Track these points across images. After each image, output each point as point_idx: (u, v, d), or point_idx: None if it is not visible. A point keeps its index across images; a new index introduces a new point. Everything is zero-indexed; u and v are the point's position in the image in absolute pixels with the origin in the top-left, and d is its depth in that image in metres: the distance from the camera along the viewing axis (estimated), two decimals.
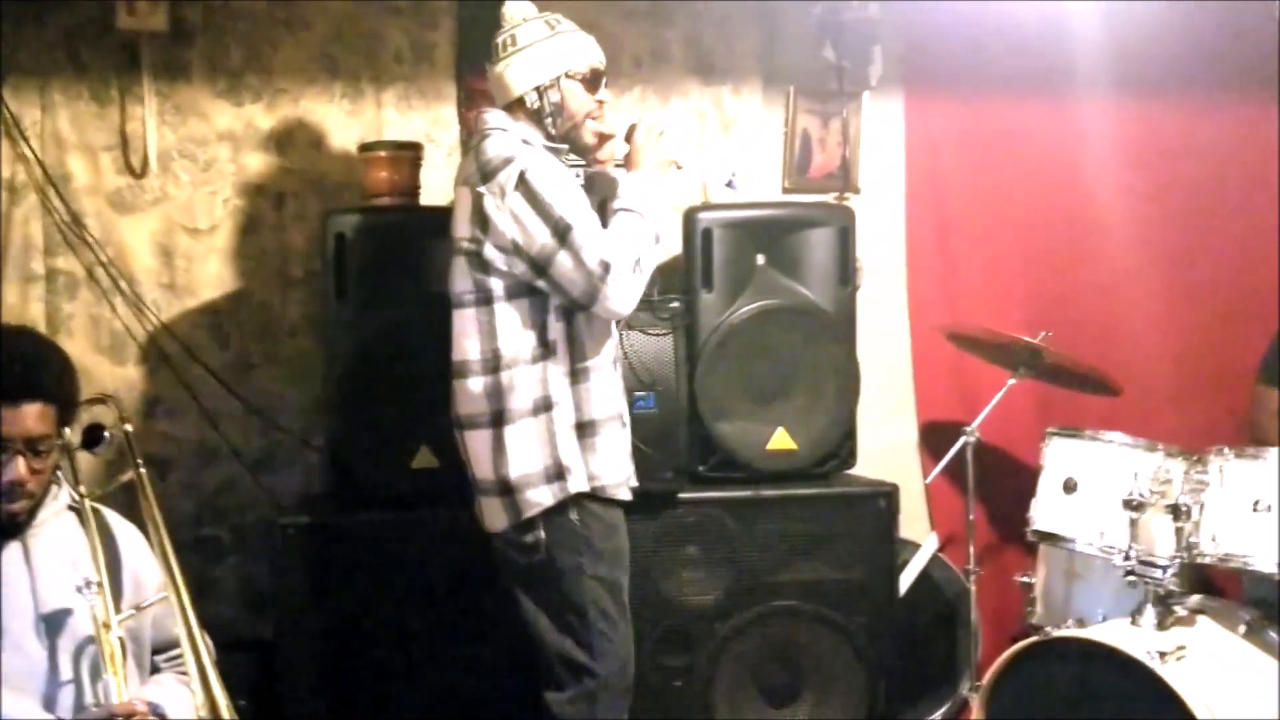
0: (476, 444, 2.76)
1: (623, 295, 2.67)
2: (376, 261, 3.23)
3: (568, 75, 2.79)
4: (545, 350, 2.71)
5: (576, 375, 2.73)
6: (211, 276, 3.73)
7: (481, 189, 2.68)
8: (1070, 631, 3.11)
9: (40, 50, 3.61)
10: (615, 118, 2.94)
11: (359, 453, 3.22)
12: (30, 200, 3.62)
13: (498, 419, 2.70)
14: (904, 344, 4.11)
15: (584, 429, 2.73)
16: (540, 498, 2.69)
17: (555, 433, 2.70)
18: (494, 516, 2.76)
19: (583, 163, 2.96)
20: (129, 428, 2.27)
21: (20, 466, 2.02)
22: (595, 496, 2.74)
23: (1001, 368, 3.67)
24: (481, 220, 2.68)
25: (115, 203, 3.68)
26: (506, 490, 2.71)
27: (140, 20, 3.57)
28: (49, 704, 2.03)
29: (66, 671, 2.05)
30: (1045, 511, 3.38)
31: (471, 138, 2.88)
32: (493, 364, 2.71)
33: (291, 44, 3.73)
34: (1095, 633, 3.06)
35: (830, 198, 3.91)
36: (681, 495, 3.28)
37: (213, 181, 3.72)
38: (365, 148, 3.52)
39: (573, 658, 2.74)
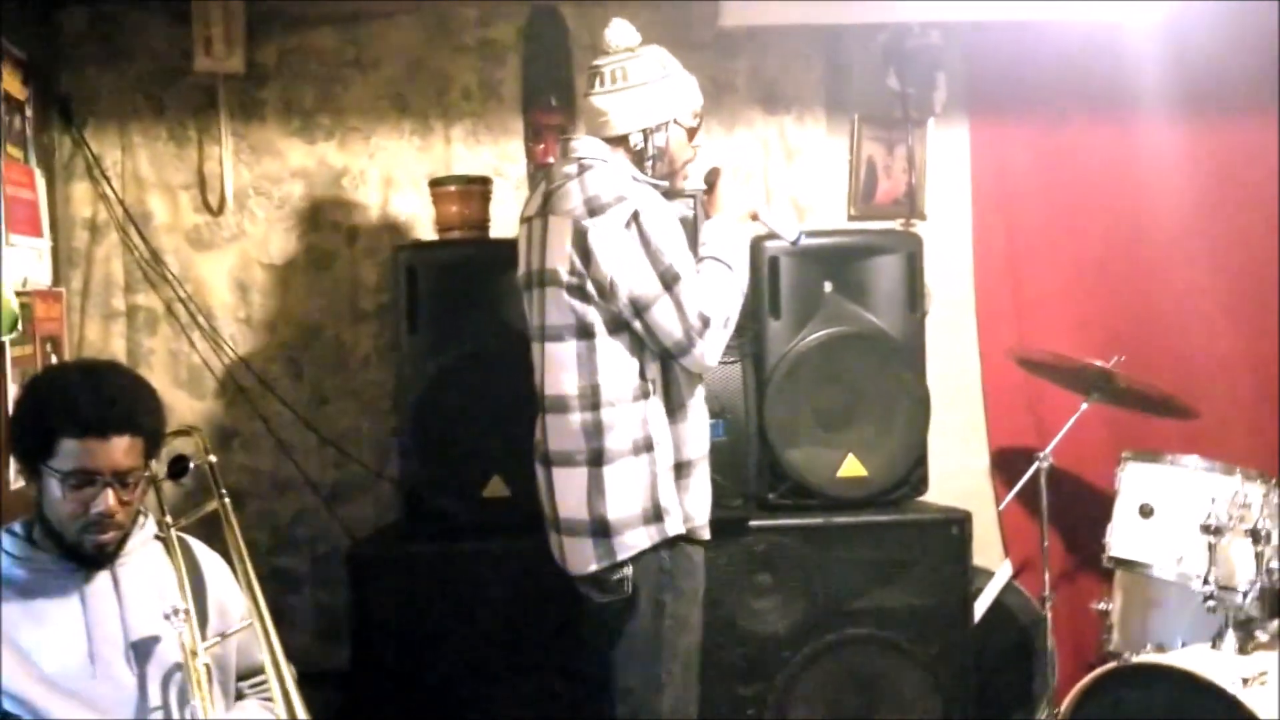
0: (569, 482, 2.69)
1: (713, 350, 2.67)
2: (447, 294, 3.27)
3: (676, 122, 2.77)
4: (645, 388, 2.67)
5: (674, 414, 2.71)
6: (286, 311, 3.81)
7: (587, 223, 2.61)
8: (1150, 657, 3.07)
9: (120, 93, 3.73)
10: (703, 160, 2.94)
11: (431, 483, 3.25)
12: (111, 238, 3.72)
13: (596, 458, 2.64)
14: (974, 369, 4.08)
15: (681, 469, 2.71)
16: (637, 540, 2.64)
17: (656, 474, 2.65)
18: (582, 558, 2.68)
19: (686, 195, 2.97)
20: (213, 459, 2.32)
21: (110, 498, 2.06)
22: (687, 537, 2.72)
23: (1074, 392, 3.63)
24: (584, 253, 2.61)
25: (193, 240, 3.78)
26: (602, 532, 2.64)
27: (217, 63, 3.68)
28: None
29: (155, 698, 2.09)
30: (1121, 537, 3.35)
31: (556, 164, 2.82)
32: (592, 400, 2.65)
33: (362, 83, 3.82)
34: (1175, 658, 3.02)
35: (896, 224, 3.91)
36: (752, 523, 3.27)
37: (287, 218, 3.81)
38: (436, 182, 3.57)
39: (639, 693, 2.71)
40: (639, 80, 2.72)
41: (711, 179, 2.86)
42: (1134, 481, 3.36)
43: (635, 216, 2.60)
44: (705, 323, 2.62)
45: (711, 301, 2.64)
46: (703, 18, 3.79)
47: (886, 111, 3.96)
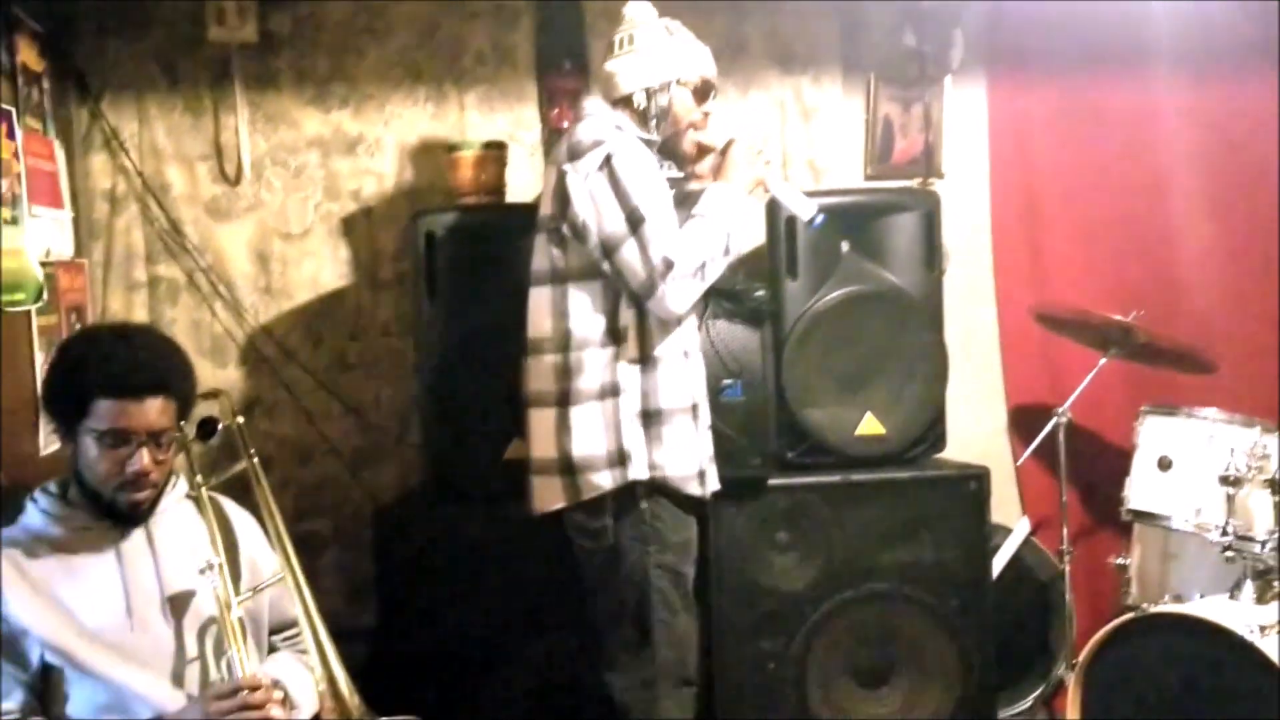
0: (541, 422, 2.78)
1: (679, 296, 2.69)
2: (465, 260, 3.29)
3: (679, 82, 2.83)
4: (615, 336, 2.73)
5: (646, 363, 2.75)
6: (305, 280, 3.83)
7: (566, 167, 2.72)
8: (1168, 607, 3.09)
9: (136, 65, 3.73)
10: (717, 130, 2.96)
11: (452, 446, 3.28)
12: (131, 210, 3.74)
13: (564, 398, 2.73)
14: (991, 327, 4.08)
15: (649, 418, 2.74)
16: (601, 481, 2.71)
17: (620, 420, 2.71)
18: (549, 496, 2.78)
19: (679, 175, 2.98)
20: (240, 420, 2.36)
21: (145, 457, 2.10)
22: (662, 489, 2.75)
23: (1092, 348, 3.65)
24: (562, 198, 2.72)
25: (212, 210, 3.80)
26: (568, 470, 2.73)
27: (230, 32, 3.68)
28: (177, 680, 2.11)
29: (192, 650, 2.13)
30: (1140, 490, 3.37)
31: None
32: (563, 343, 2.74)
33: (376, 50, 3.82)
34: (1193, 608, 3.04)
35: (914, 183, 3.91)
36: (771, 482, 3.30)
37: (304, 187, 3.82)
38: (452, 148, 3.59)
39: (632, 642, 2.77)
40: (644, 46, 2.84)
41: (726, 149, 2.89)
42: (1153, 435, 3.37)
43: (609, 159, 2.68)
44: (668, 265, 2.64)
45: (680, 248, 2.67)
46: None
47: (903, 70, 3.95)
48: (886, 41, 3.95)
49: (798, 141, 3.94)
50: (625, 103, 2.84)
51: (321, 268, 3.83)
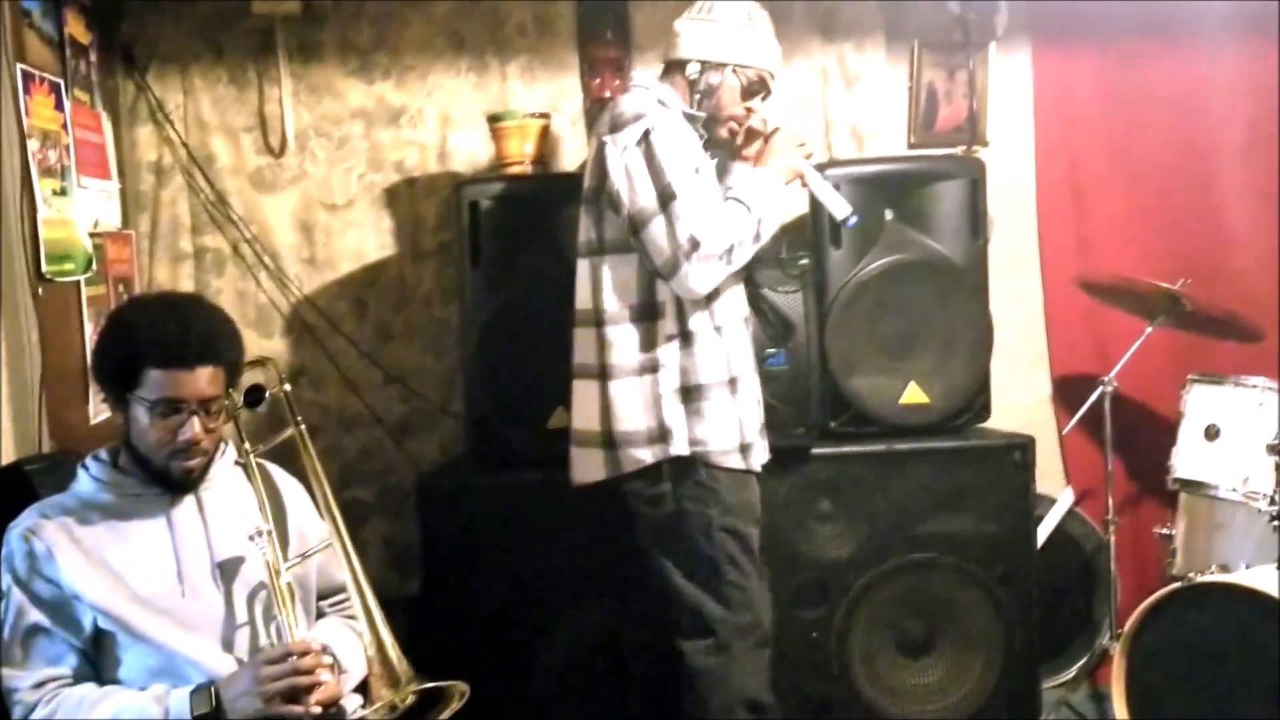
0: (585, 394, 2.80)
1: (702, 277, 2.66)
2: (509, 229, 3.30)
3: (736, 69, 2.81)
4: (650, 310, 2.73)
5: (684, 339, 2.74)
6: (349, 250, 3.86)
7: (606, 138, 2.71)
8: (1214, 577, 3.06)
9: (180, 37, 3.76)
10: (763, 116, 2.92)
11: (496, 415, 3.29)
12: (177, 181, 3.78)
13: (604, 372, 2.75)
14: (1036, 297, 4.04)
15: (689, 394, 2.74)
16: (642, 455, 2.72)
17: (660, 394, 2.71)
18: (590, 468, 2.79)
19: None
20: (288, 388, 2.37)
21: (196, 426, 2.12)
22: (710, 463, 2.74)
23: (1138, 317, 3.61)
24: (600, 169, 2.72)
25: (256, 181, 3.83)
26: (609, 443, 2.74)
27: (274, 5, 3.70)
28: (227, 645, 2.13)
29: (242, 615, 2.15)
30: (1186, 459, 3.35)
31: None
32: (598, 317, 2.75)
33: (418, 21, 3.82)
34: (1240, 578, 3.01)
35: (958, 151, 3.87)
36: (815, 451, 3.29)
37: (347, 158, 3.84)
38: (495, 118, 3.59)
39: (705, 608, 2.76)
40: (720, 18, 2.81)
41: (769, 136, 2.86)
42: (1199, 403, 3.34)
43: (647, 134, 2.67)
44: (694, 245, 2.62)
45: (710, 229, 2.65)
46: None
47: (947, 36, 3.90)
48: (930, 8, 3.90)
49: (840, 109, 3.91)
50: (678, 66, 2.82)
51: (365, 238, 3.86)
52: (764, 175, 2.79)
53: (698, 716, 2.78)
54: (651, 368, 2.72)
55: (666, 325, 2.73)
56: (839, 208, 2.85)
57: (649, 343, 2.72)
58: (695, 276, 2.65)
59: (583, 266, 2.81)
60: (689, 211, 2.63)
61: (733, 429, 2.78)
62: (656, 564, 2.81)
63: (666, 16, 3.77)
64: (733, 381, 2.79)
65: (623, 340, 2.73)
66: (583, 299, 2.81)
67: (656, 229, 2.64)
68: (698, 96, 2.81)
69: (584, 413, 2.80)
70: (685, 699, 2.80)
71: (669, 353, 2.73)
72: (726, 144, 2.91)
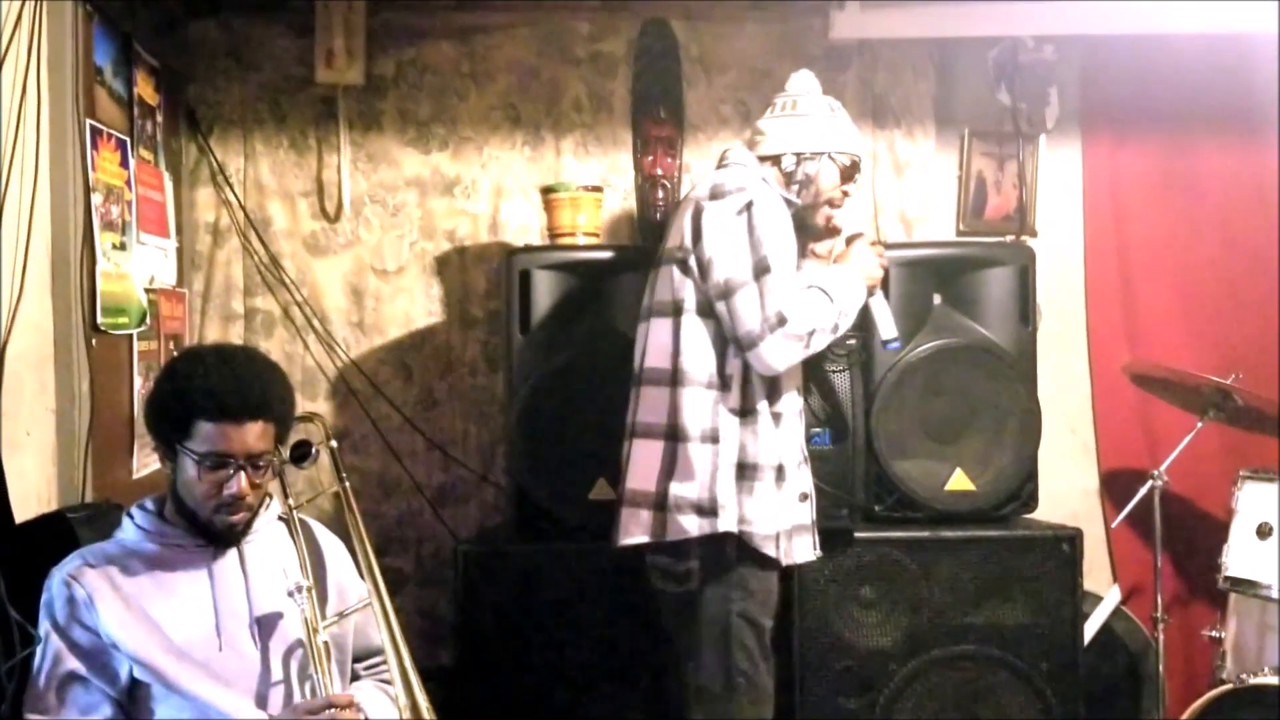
0: (645, 453, 2.77)
1: (781, 354, 2.67)
2: (559, 298, 3.32)
3: (832, 156, 2.87)
4: (722, 380, 2.73)
5: (745, 415, 2.73)
6: (398, 316, 3.89)
7: (706, 204, 2.74)
8: (1267, 679, 2.98)
9: (244, 102, 3.85)
10: (847, 215, 3.01)
11: (538, 484, 3.27)
12: (233, 243, 3.84)
13: (673, 433, 2.73)
14: (1084, 387, 4.01)
15: (744, 470, 2.73)
16: (688, 525, 2.70)
17: (718, 466, 2.70)
18: (635, 529, 2.76)
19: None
20: (334, 444, 2.38)
21: (243, 481, 2.12)
22: (746, 543, 2.72)
23: (1189, 411, 3.56)
24: (696, 232, 2.73)
25: (310, 245, 3.88)
26: (660, 506, 2.72)
27: (338, 74, 3.78)
28: (261, 701, 2.11)
29: (277, 672, 2.14)
30: (1238, 557, 3.28)
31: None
32: (674, 377, 2.74)
33: (476, 95, 3.90)
34: None
35: (1007, 239, 3.87)
36: (859, 534, 3.25)
37: (401, 225, 3.89)
38: (549, 189, 3.62)
39: (709, 690, 2.74)
40: (807, 111, 2.91)
41: (850, 239, 2.94)
42: (1252, 501, 3.28)
43: (749, 206, 2.71)
44: (780, 321, 2.64)
45: (796, 308, 2.67)
46: (814, 30, 3.82)
47: (997, 126, 3.94)
48: (981, 97, 3.94)
49: (889, 194, 3.94)
50: (774, 161, 2.88)
51: (414, 304, 3.89)
52: (854, 275, 2.83)
53: None
54: (714, 438, 2.71)
55: (730, 398, 2.73)
56: (888, 329, 2.93)
57: (715, 413, 2.72)
58: (774, 352, 2.66)
59: (659, 326, 2.80)
60: (780, 287, 2.66)
61: (775, 515, 2.76)
62: (666, 638, 2.82)
63: (719, 98, 3.90)
64: (780, 469, 2.77)
65: (696, 404, 2.72)
66: (656, 358, 2.79)
67: (746, 298, 2.66)
68: (795, 187, 2.87)
69: (641, 472, 2.78)
70: None
71: (730, 426, 2.72)
72: (817, 232, 2.95)
